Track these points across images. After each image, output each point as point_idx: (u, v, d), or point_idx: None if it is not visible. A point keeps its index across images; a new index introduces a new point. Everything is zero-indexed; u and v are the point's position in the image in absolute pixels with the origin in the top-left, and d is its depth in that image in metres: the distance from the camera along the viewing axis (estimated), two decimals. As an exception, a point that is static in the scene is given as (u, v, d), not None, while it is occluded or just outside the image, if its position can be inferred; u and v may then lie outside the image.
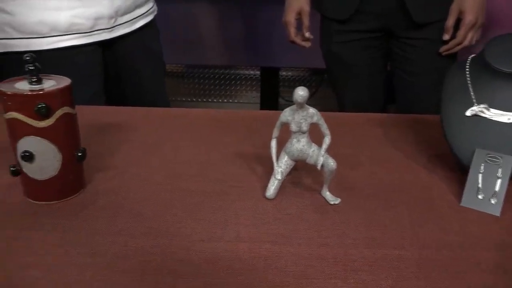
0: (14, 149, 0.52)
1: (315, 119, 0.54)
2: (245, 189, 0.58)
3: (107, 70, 1.02)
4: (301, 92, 0.50)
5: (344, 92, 1.23)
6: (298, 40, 1.13)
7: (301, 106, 0.52)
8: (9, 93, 0.49)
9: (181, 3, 1.80)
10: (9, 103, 0.50)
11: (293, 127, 0.54)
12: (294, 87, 0.51)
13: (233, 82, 2.30)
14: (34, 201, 0.54)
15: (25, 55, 0.50)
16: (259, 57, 1.91)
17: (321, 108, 0.54)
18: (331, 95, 1.33)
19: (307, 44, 1.14)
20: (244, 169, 0.64)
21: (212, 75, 2.29)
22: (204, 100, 2.35)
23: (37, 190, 0.54)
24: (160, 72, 1.16)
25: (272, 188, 0.57)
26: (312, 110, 0.54)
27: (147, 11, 1.06)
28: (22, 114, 0.50)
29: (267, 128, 0.78)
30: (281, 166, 0.57)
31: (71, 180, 0.55)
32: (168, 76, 1.20)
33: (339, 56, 1.16)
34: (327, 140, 0.55)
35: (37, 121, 0.50)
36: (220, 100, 2.35)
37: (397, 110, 1.22)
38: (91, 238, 0.48)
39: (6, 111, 0.51)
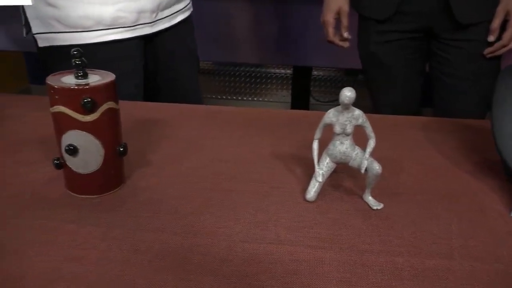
0: (59, 142, 0.53)
1: (360, 121, 0.52)
2: (284, 191, 0.57)
3: (146, 64, 1.03)
4: (348, 93, 0.49)
5: (380, 93, 1.20)
6: (336, 40, 1.11)
7: (346, 107, 0.51)
8: (56, 87, 0.50)
9: (214, 1, 1.80)
10: (56, 96, 0.50)
11: (337, 129, 0.53)
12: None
13: (263, 80, 2.29)
14: (76, 195, 0.55)
15: (73, 49, 0.51)
16: (291, 56, 1.90)
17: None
18: (364, 96, 1.30)
19: (345, 44, 1.12)
20: (282, 169, 0.63)
21: (243, 73, 2.29)
22: (234, 98, 2.35)
23: (80, 183, 0.55)
24: (195, 68, 1.17)
25: (312, 191, 0.55)
26: (358, 111, 0.52)
27: (184, 7, 1.07)
28: (68, 108, 0.50)
29: (302, 127, 0.77)
30: (322, 168, 0.55)
31: (112, 175, 0.55)
32: (199, 73, 1.20)
33: (377, 57, 1.13)
34: (371, 143, 0.53)
35: (82, 115, 0.51)
36: (250, 98, 2.34)
37: (432, 113, 1.18)
38: (133, 234, 0.48)
39: (53, 104, 0.51)
